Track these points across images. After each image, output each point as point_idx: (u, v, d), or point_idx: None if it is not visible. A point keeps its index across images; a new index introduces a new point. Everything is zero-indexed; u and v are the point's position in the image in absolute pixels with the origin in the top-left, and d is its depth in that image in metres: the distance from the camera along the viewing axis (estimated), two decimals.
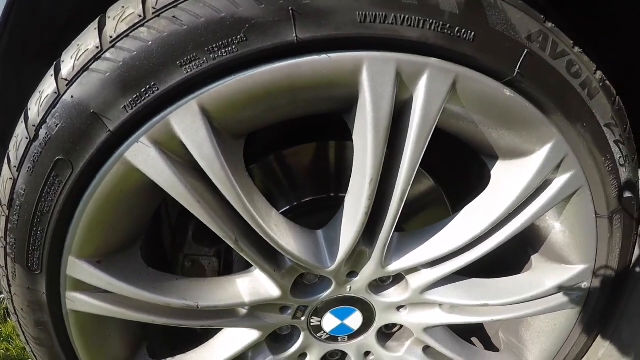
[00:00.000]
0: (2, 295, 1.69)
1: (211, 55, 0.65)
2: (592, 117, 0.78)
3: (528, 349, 1.01)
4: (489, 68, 0.71)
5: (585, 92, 0.76)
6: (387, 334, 1.02)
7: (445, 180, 1.04)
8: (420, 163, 0.98)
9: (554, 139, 0.77)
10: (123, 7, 0.68)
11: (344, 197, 0.94)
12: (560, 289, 0.89)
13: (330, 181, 1.01)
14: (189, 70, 0.66)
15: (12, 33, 0.82)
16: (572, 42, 0.75)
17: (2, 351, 1.53)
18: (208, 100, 0.67)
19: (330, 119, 0.92)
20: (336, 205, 0.92)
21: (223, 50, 0.65)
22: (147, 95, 0.66)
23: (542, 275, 0.90)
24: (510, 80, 0.72)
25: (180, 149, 0.69)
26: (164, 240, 1.00)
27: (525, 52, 0.71)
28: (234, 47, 0.65)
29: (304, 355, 0.99)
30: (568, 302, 0.91)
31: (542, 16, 0.73)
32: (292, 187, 0.99)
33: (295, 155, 0.99)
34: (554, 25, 0.74)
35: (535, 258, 0.94)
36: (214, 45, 0.65)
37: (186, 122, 0.67)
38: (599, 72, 0.76)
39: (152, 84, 0.66)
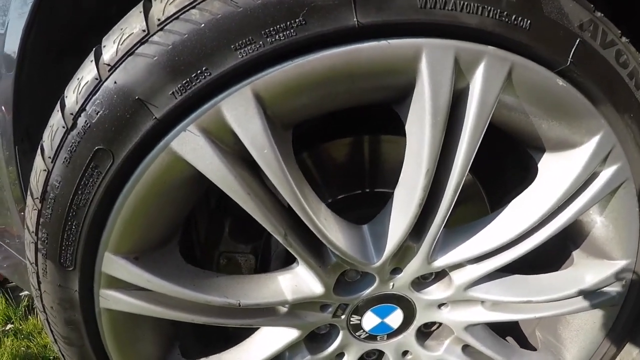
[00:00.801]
0: (23, 293, 1.69)
1: (268, 39, 0.65)
2: (639, 108, 0.81)
3: (566, 348, 1.04)
4: (543, 57, 0.73)
5: (633, 82, 0.79)
6: (425, 332, 1.03)
7: (483, 174, 1.07)
8: None
9: (602, 130, 0.80)
10: None
11: (381, 192, 0.96)
12: (603, 285, 0.92)
13: (366, 177, 1.03)
14: (244, 55, 0.65)
15: (37, 32, 0.82)
16: (619, 31, 0.79)
17: (22, 349, 1.53)
18: (263, 86, 0.66)
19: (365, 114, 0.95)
20: (372, 201, 0.94)
21: (281, 34, 0.65)
22: (197, 81, 0.66)
23: (585, 271, 0.93)
24: (563, 70, 0.75)
25: (229, 138, 0.69)
26: (192, 236, 1.00)
27: (578, 41, 0.74)
28: (292, 30, 0.65)
29: (342, 355, 0.99)
30: (609, 298, 0.95)
31: (592, 5, 0.77)
32: (328, 183, 1.01)
33: (330, 150, 1.00)
34: (602, 14, 0.78)
35: (576, 254, 0.96)
36: (272, 29, 0.65)
37: (239, 109, 0.67)
38: None
39: (204, 68, 0.65)
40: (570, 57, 0.75)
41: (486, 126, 0.74)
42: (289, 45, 0.66)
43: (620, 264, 0.92)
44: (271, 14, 0.65)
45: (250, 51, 0.66)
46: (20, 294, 1.78)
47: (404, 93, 0.74)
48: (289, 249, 0.78)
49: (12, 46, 0.81)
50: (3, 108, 0.87)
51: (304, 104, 0.72)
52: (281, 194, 0.73)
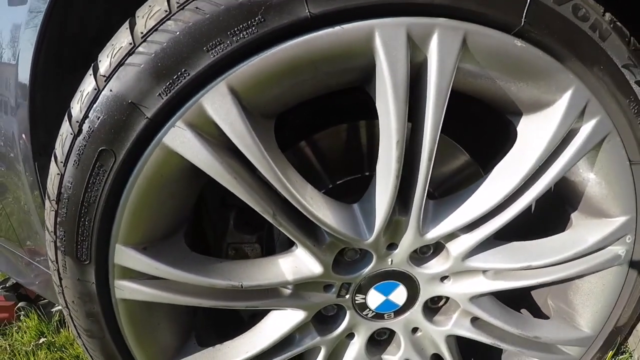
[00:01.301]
0: (55, 309, 1.90)
1: (234, 38, 0.79)
2: (608, 59, 0.89)
3: (579, 314, 1.10)
4: (496, 21, 0.83)
5: (597, 34, 0.87)
6: (433, 308, 1.13)
7: (481, 154, 1.15)
8: (456, 139, 1.10)
9: (573, 85, 0.88)
10: (150, 6, 0.84)
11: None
12: (603, 244, 0.99)
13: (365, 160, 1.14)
14: (215, 54, 0.80)
15: (48, 49, 1.00)
16: None
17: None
18: (235, 80, 0.80)
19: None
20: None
21: (244, 32, 0.79)
22: (179, 82, 0.81)
23: (584, 232, 1.00)
24: (519, 31, 0.84)
25: (214, 130, 0.83)
26: (207, 235, 1.14)
27: (529, 0, 0.83)
28: (253, 28, 0.79)
29: (352, 335, 1.10)
30: (614, 257, 1.01)
31: None
32: (329, 169, 1.13)
33: (328, 137, 1.13)
34: None
35: (575, 216, 1.04)
36: (236, 29, 0.78)
37: (217, 103, 0.81)
38: (607, 14, 0.88)
39: (183, 70, 0.80)
40: (524, 17, 0.84)
41: (448, 94, 0.84)
42: (252, 41, 0.79)
43: (619, 220, 0.98)
44: (233, 16, 0.79)
45: (220, 51, 0.80)
46: (52, 310, 1.99)
47: (368, 74, 0.86)
48: (280, 228, 0.90)
49: (25, 75, 0.98)
50: (23, 136, 1.04)
51: (276, 93, 0.85)
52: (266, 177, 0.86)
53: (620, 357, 1.26)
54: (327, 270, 0.97)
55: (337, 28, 0.80)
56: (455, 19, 0.83)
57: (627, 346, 1.23)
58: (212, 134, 0.84)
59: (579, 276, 1.03)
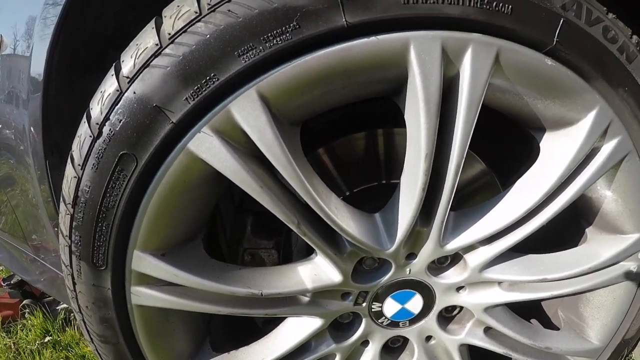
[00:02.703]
0: (60, 307, 1.85)
1: (267, 44, 0.77)
2: (633, 81, 0.89)
3: (588, 325, 1.12)
4: (529, 39, 0.82)
5: (624, 56, 0.87)
6: (447, 317, 1.13)
7: (497, 163, 1.15)
8: (472, 148, 1.10)
9: (598, 105, 0.88)
10: (178, 6, 0.80)
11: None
12: (617, 259, 1.00)
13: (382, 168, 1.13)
14: (246, 60, 0.77)
15: (62, 50, 0.95)
16: (605, 8, 0.88)
17: (62, 359, 1.67)
18: (266, 87, 0.77)
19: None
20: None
21: (278, 39, 0.76)
22: (207, 86, 0.78)
23: (598, 247, 1.01)
24: (550, 50, 0.84)
25: (241, 137, 0.80)
26: (220, 239, 1.12)
27: (562, 21, 0.82)
28: (288, 35, 0.76)
29: (366, 342, 1.10)
30: (626, 273, 1.02)
31: None
32: (349, 176, 1.12)
33: (347, 144, 1.11)
34: None
35: (589, 230, 1.05)
36: (269, 35, 0.76)
37: (246, 109, 0.78)
38: (635, 37, 0.88)
39: (212, 74, 0.77)
40: (556, 37, 0.83)
41: (478, 109, 0.83)
42: (286, 48, 0.77)
43: (633, 237, 1.00)
44: (268, 22, 0.76)
45: (252, 56, 0.77)
46: (57, 307, 1.95)
47: (399, 85, 0.84)
48: (303, 237, 0.89)
49: (37, 69, 0.94)
50: (32, 129, 1.00)
51: (306, 101, 0.83)
52: (292, 186, 0.84)
53: None
54: (346, 279, 0.96)
55: (373, 38, 0.78)
56: (489, 35, 0.82)
57: (632, 358, 1.26)
58: (238, 141, 0.82)
59: (591, 290, 1.05)
